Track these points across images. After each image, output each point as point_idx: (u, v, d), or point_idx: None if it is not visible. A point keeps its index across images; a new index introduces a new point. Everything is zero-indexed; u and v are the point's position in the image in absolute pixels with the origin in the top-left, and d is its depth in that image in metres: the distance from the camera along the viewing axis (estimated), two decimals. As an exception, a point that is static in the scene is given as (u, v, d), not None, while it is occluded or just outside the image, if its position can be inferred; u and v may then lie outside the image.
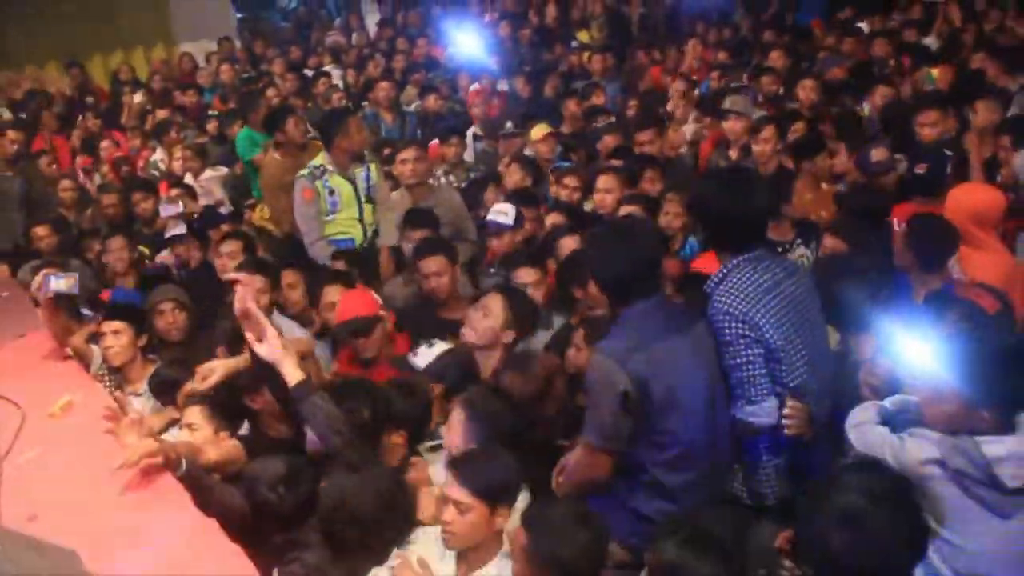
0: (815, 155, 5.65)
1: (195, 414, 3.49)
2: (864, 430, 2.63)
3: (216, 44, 12.38)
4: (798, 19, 10.78)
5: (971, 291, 3.09)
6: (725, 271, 2.96)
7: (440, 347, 3.98)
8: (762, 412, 2.88)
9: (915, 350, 2.66)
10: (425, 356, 3.94)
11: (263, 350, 2.90)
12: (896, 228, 4.57)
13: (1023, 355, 2.47)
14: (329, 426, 2.89)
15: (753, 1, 11.49)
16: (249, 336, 2.93)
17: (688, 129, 7.41)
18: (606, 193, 5.38)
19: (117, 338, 4.28)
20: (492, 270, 5.23)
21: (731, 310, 2.87)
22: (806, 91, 7.00)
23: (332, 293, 4.60)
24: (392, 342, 4.34)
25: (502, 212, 5.26)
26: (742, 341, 2.86)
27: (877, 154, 5.17)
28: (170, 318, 4.64)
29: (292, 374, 2.91)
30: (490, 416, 3.11)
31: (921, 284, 3.83)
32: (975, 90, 6.22)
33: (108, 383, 4.33)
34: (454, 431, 3.16)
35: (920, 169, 4.87)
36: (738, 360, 2.87)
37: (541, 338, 4.38)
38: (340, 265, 5.13)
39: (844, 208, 5.00)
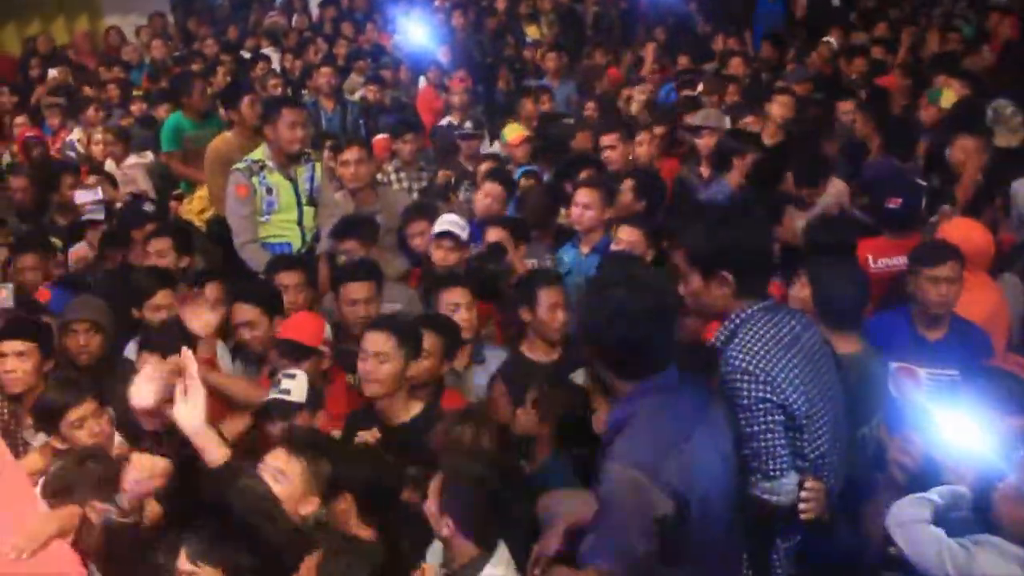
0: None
1: None
2: (914, 532, 2.22)
3: (147, 19, 11.61)
4: (756, 31, 10.51)
5: (1011, 361, 2.73)
6: (736, 323, 2.52)
7: (304, 376, 3.42)
8: (781, 490, 2.45)
9: (965, 433, 2.28)
10: (289, 387, 3.34)
11: (184, 415, 2.39)
12: (870, 266, 4.31)
13: None
14: (262, 511, 2.39)
15: (712, 8, 11.18)
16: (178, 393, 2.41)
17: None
18: (585, 209, 4.89)
19: (21, 361, 3.64)
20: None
21: (750, 368, 2.42)
22: (781, 107, 6.67)
23: (245, 312, 4.03)
24: (328, 379, 3.85)
25: (456, 224, 4.80)
26: (762, 407, 2.41)
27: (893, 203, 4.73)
28: (82, 340, 4.04)
29: (214, 452, 2.41)
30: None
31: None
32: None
33: (3, 413, 3.73)
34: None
35: (894, 203, 4.54)
36: (755, 428, 2.43)
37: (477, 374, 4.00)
38: (287, 279, 4.45)
39: (808, 243, 4.64)
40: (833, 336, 3.16)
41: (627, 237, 4.54)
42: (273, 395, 3.30)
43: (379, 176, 6.45)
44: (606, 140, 6.06)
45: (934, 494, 2.32)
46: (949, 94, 6.80)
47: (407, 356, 3.39)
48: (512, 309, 4.07)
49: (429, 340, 3.56)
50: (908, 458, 2.46)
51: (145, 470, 2.46)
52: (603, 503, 2.33)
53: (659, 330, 2.35)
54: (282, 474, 2.69)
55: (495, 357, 4.06)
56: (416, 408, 3.43)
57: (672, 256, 3.46)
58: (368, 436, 3.32)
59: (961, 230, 4.40)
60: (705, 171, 5.87)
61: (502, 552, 2.65)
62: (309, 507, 2.75)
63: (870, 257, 4.42)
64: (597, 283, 2.51)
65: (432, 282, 4.40)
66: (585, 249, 4.91)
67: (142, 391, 2.54)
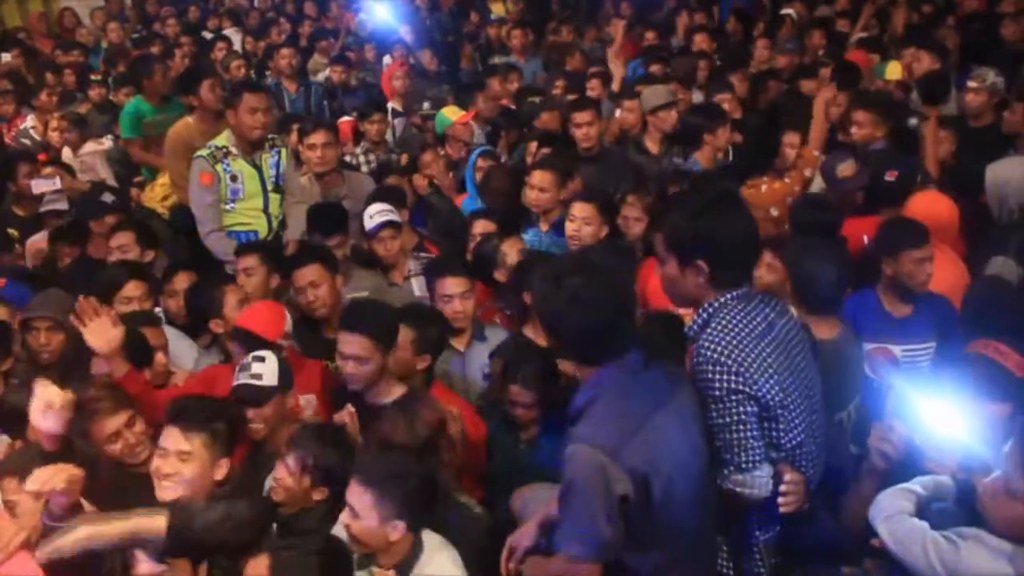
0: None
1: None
2: (898, 525, 2.19)
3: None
4: (722, 6, 10.43)
5: (990, 348, 2.71)
6: (709, 311, 2.48)
7: (274, 358, 3.31)
8: (754, 482, 2.42)
9: (946, 421, 2.25)
10: (260, 370, 3.25)
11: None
12: (865, 243, 4.25)
13: None
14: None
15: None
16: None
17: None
18: (541, 192, 4.84)
19: None
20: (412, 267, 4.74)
21: (722, 359, 2.39)
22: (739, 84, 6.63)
23: (230, 297, 3.95)
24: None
25: (389, 211, 4.67)
26: (734, 397, 2.38)
27: (844, 169, 4.74)
28: (43, 339, 3.91)
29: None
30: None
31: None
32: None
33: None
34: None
35: (891, 176, 4.51)
36: (727, 419, 2.40)
37: (478, 352, 3.96)
38: (250, 262, 4.38)
39: (792, 224, 4.61)
40: (811, 320, 3.14)
41: (580, 213, 4.45)
42: (243, 380, 3.21)
43: (347, 158, 6.36)
44: (580, 117, 5.95)
45: (917, 485, 2.30)
46: (895, 67, 6.79)
47: (385, 352, 3.32)
48: (514, 294, 4.02)
49: (403, 334, 3.49)
50: (889, 445, 2.43)
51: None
52: (567, 486, 2.35)
53: (617, 316, 2.37)
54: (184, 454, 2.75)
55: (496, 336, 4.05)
56: (399, 391, 3.37)
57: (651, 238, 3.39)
58: (344, 415, 3.26)
59: (926, 203, 4.40)
60: (653, 147, 5.83)
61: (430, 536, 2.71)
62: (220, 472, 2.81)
63: (865, 236, 4.33)
64: (553, 271, 2.46)
65: (429, 270, 4.32)
66: (544, 227, 4.91)
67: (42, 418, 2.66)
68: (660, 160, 5.68)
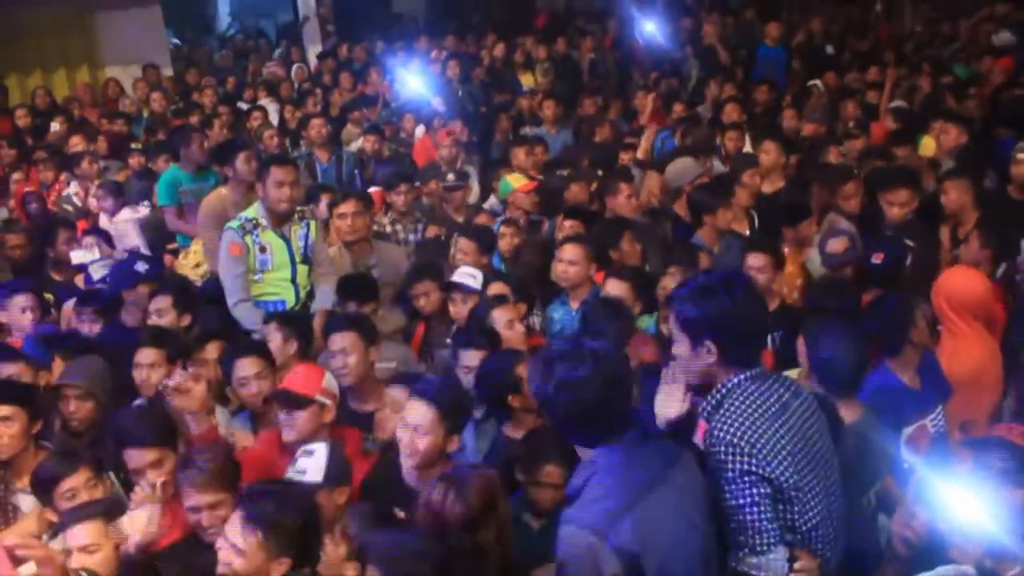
0: (800, 221, 5.25)
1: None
2: None
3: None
4: (754, 75, 10.53)
5: (1015, 432, 2.67)
6: (723, 392, 2.49)
7: (322, 449, 3.21)
8: (769, 565, 2.38)
9: (970, 507, 2.21)
10: (305, 466, 3.14)
11: None
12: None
13: None
14: None
15: (706, 55, 11.22)
16: None
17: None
18: (570, 264, 4.85)
19: (7, 426, 3.59)
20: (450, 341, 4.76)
21: (735, 440, 2.39)
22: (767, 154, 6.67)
23: (246, 366, 4.01)
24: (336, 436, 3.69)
25: (470, 275, 4.78)
26: (747, 479, 2.37)
27: (835, 244, 4.74)
28: (72, 406, 3.98)
29: None
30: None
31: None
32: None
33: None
34: None
35: (877, 259, 4.51)
36: (741, 501, 2.39)
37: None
38: (273, 329, 4.46)
39: (808, 305, 4.60)
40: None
41: (613, 290, 4.46)
42: (290, 475, 3.15)
43: (376, 228, 6.45)
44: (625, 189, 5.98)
45: (939, 574, 2.25)
46: (929, 142, 6.80)
47: (449, 429, 3.23)
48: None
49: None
50: (911, 532, 2.39)
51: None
52: (558, 568, 2.35)
53: (610, 399, 2.38)
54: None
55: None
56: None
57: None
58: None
59: (959, 277, 4.39)
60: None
61: None
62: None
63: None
64: (546, 354, 2.50)
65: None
66: (574, 305, 4.86)
67: None
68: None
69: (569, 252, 4.89)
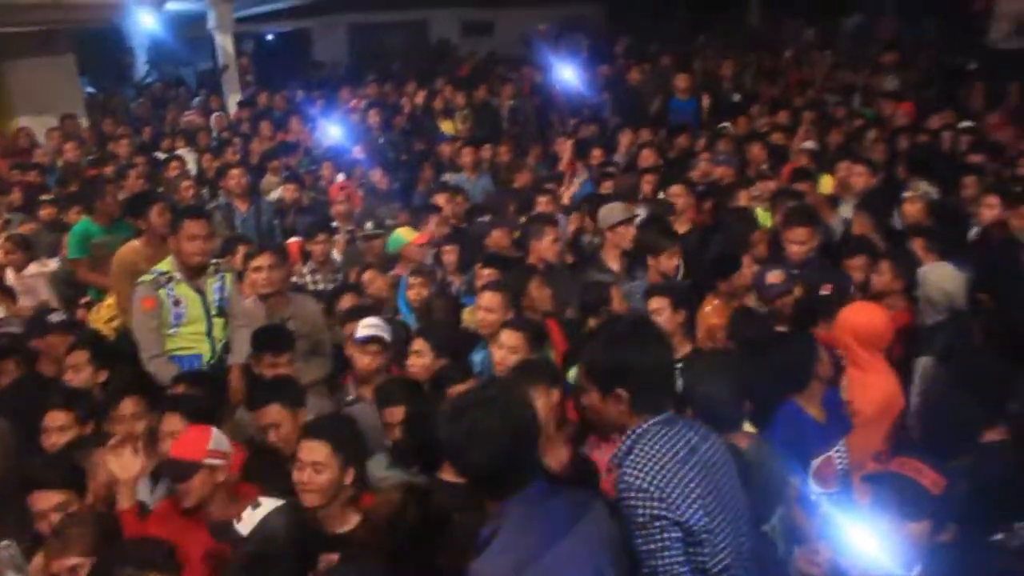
0: (732, 273, 5.28)
1: None
2: None
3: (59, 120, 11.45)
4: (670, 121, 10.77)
5: (909, 466, 2.77)
6: (632, 438, 2.54)
7: (267, 507, 3.21)
8: (682, 608, 2.42)
9: (867, 540, 2.29)
10: (250, 522, 3.16)
11: None
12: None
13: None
14: None
15: (624, 101, 11.48)
16: None
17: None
18: (488, 312, 4.86)
19: None
20: (350, 396, 4.77)
21: (644, 485, 2.43)
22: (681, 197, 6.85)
23: (172, 422, 3.91)
24: (236, 495, 3.60)
25: (377, 327, 4.76)
26: (657, 524, 2.41)
27: (773, 276, 4.89)
28: None
29: None
30: None
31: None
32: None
33: None
34: None
35: (826, 290, 4.65)
36: (652, 546, 2.42)
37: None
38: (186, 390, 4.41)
39: (731, 336, 4.72)
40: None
41: (508, 341, 4.44)
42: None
43: (294, 278, 6.40)
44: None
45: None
46: (827, 180, 7.06)
47: (344, 464, 3.28)
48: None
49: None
50: (816, 568, 2.45)
51: None
52: None
53: (517, 450, 2.42)
54: None
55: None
56: (355, 519, 3.32)
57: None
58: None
59: (864, 312, 4.54)
60: (614, 265, 5.85)
61: None
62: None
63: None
64: (454, 404, 2.51)
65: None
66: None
67: None
68: (621, 278, 5.71)
69: (488, 299, 4.91)
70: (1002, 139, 8.42)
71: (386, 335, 4.70)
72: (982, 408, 3.57)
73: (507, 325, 4.57)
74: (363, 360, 4.67)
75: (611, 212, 6.02)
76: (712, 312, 5.13)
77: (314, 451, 3.25)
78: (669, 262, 5.58)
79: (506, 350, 4.41)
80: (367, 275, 6.12)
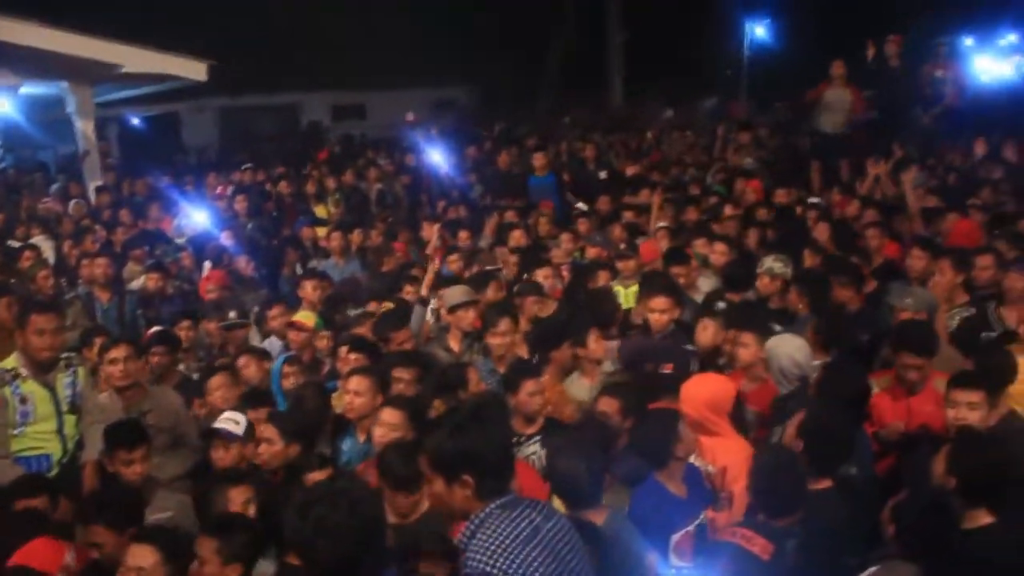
0: (556, 346, 5.41)
1: None
2: None
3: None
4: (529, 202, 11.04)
5: (739, 535, 2.91)
6: (476, 523, 2.61)
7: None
8: None
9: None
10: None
11: None
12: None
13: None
14: None
15: (492, 182, 11.77)
16: None
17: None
18: (356, 396, 4.85)
19: None
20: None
21: (488, 570, 2.50)
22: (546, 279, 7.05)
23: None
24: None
25: (232, 420, 4.70)
26: (503, 606, 2.47)
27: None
28: None
29: None
30: None
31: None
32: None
33: None
34: None
35: (668, 368, 4.85)
36: None
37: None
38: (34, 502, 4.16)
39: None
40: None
41: (389, 419, 4.44)
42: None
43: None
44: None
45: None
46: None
47: (172, 572, 3.24)
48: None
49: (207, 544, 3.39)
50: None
51: None
52: None
53: (366, 544, 2.46)
54: None
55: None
56: None
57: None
58: None
59: (713, 382, 4.69)
60: (455, 346, 5.97)
61: None
62: None
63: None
64: (302, 498, 2.54)
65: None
66: (362, 436, 4.88)
67: None
68: (461, 358, 5.79)
69: (355, 383, 4.92)
70: (849, 214, 8.94)
71: (237, 428, 4.66)
72: (814, 463, 3.73)
73: (388, 403, 4.60)
74: (216, 454, 4.68)
75: (452, 295, 6.15)
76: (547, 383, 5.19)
77: (139, 556, 3.25)
78: (565, 355, 5.48)
79: (386, 427, 4.41)
80: (242, 360, 6.01)
